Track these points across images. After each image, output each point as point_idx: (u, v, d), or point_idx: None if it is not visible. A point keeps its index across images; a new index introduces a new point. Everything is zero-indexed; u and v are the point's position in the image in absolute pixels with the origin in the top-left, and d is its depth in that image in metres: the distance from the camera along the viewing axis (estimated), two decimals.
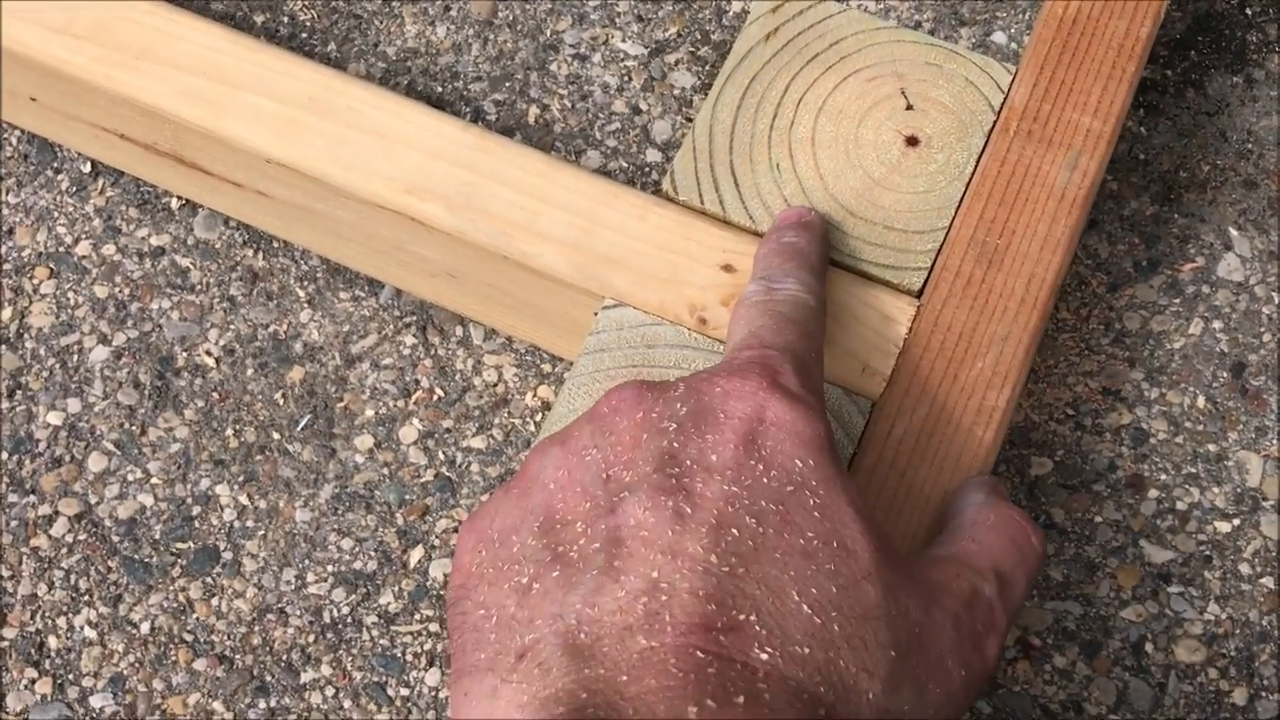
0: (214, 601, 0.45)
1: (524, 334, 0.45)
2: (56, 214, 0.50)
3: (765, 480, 0.28)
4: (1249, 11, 0.53)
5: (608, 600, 0.26)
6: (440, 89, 0.52)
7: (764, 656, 0.25)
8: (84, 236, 0.50)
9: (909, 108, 0.41)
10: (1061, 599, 0.44)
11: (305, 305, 0.48)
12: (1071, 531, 0.45)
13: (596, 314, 0.39)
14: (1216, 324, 0.48)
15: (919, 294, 0.39)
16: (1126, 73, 0.41)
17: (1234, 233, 0.50)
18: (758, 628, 0.25)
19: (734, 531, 0.27)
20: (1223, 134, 0.51)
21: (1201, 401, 0.47)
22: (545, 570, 0.28)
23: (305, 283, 0.49)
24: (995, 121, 0.41)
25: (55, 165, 0.51)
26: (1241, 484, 0.46)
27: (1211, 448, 0.46)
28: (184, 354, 0.48)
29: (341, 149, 0.41)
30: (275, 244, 0.49)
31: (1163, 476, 0.46)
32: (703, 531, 0.27)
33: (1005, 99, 0.41)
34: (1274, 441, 0.47)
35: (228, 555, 0.46)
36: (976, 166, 0.40)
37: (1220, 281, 0.49)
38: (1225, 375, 0.48)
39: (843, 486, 0.29)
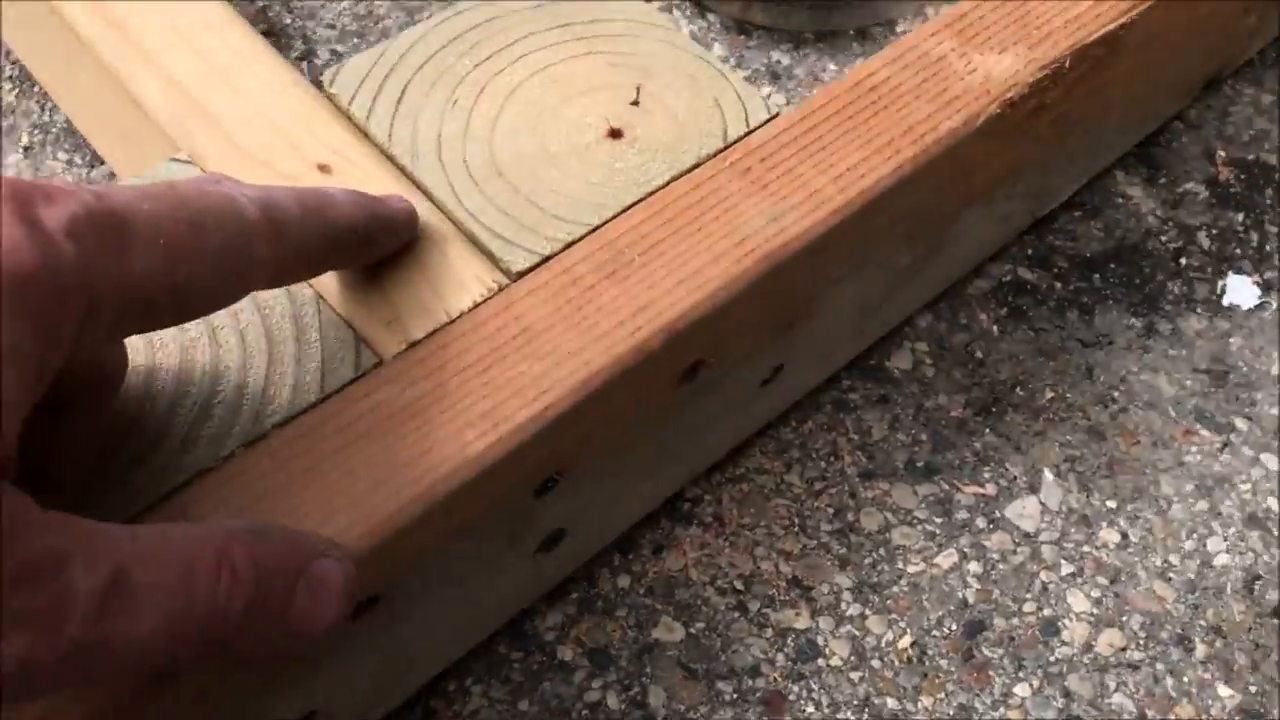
0: None
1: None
2: None
3: None
4: (1183, 262, 0.43)
5: None
6: (288, 19, 0.48)
7: None
8: None
9: (635, 103, 0.34)
10: None
11: None
12: None
13: (161, 164, 0.32)
14: (973, 566, 0.37)
15: (516, 277, 0.30)
16: (901, 155, 0.32)
17: (1049, 477, 0.39)
18: None
19: None
20: (1090, 371, 0.41)
21: (907, 643, 0.35)
22: None
23: None
24: (720, 150, 0.33)
25: None
26: None
27: (890, 704, 0.34)
28: None
29: None
30: None
31: (809, 710, 0.34)
32: None
33: (745, 135, 0.33)
34: None
35: None
36: (668, 184, 0.32)
37: (1003, 522, 0.38)
38: (954, 628, 0.36)
39: None
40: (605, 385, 0.29)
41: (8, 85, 0.45)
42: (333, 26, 0.48)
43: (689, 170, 0.32)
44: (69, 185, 0.21)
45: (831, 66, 0.48)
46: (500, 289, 0.30)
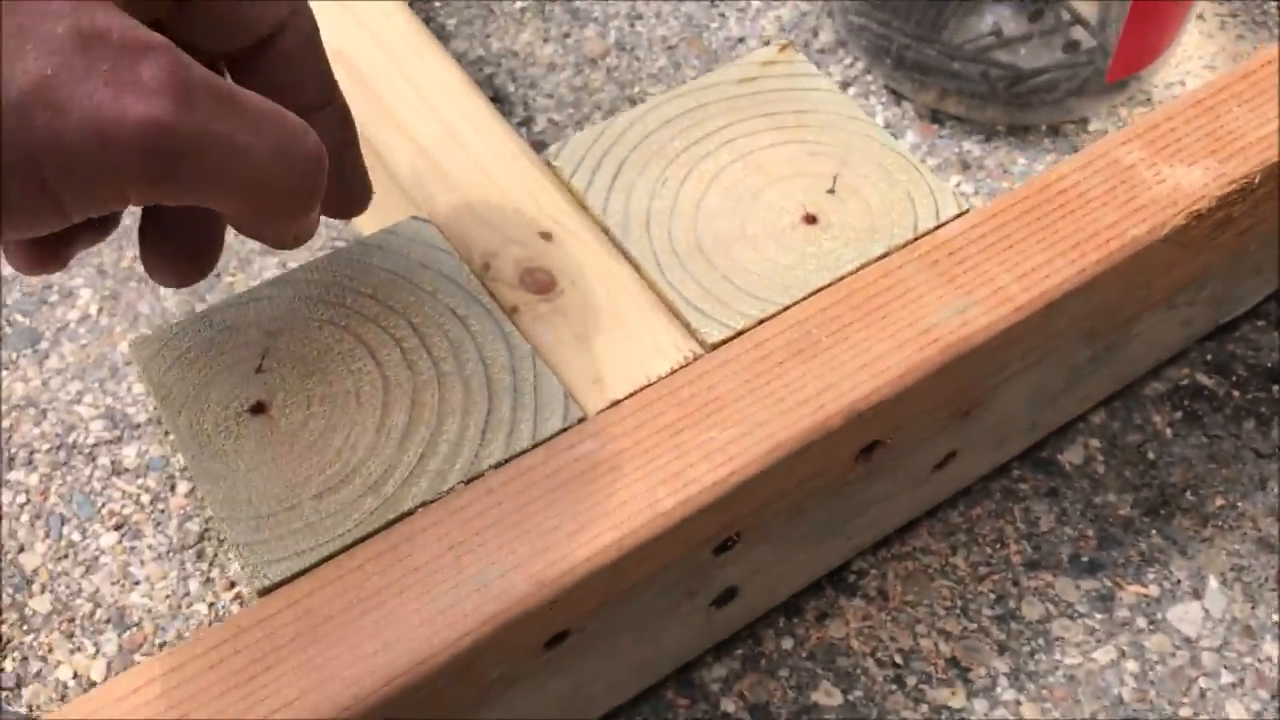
0: (2, 374, 0.44)
1: None
2: None
3: None
4: None
5: None
6: (512, 87, 0.52)
7: None
8: None
9: (831, 191, 0.36)
10: None
11: None
12: None
13: (403, 219, 0.36)
14: (1131, 665, 0.37)
15: (710, 348, 0.33)
16: (1086, 259, 0.34)
17: (1214, 584, 0.39)
18: None
19: None
20: (1263, 482, 0.41)
21: None
22: None
23: None
24: (909, 241, 0.35)
25: None
26: None
27: None
28: None
29: None
30: None
31: None
32: None
33: (936, 229, 0.35)
34: None
35: (45, 345, 0.45)
36: (858, 270, 0.34)
37: (1165, 625, 0.38)
38: None
39: None
40: (788, 457, 0.31)
41: None
42: (551, 96, 0.52)
43: (879, 259, 0.34)
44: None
45: (1021, 160, 0.49)
46: (695, 358, 0.33)
